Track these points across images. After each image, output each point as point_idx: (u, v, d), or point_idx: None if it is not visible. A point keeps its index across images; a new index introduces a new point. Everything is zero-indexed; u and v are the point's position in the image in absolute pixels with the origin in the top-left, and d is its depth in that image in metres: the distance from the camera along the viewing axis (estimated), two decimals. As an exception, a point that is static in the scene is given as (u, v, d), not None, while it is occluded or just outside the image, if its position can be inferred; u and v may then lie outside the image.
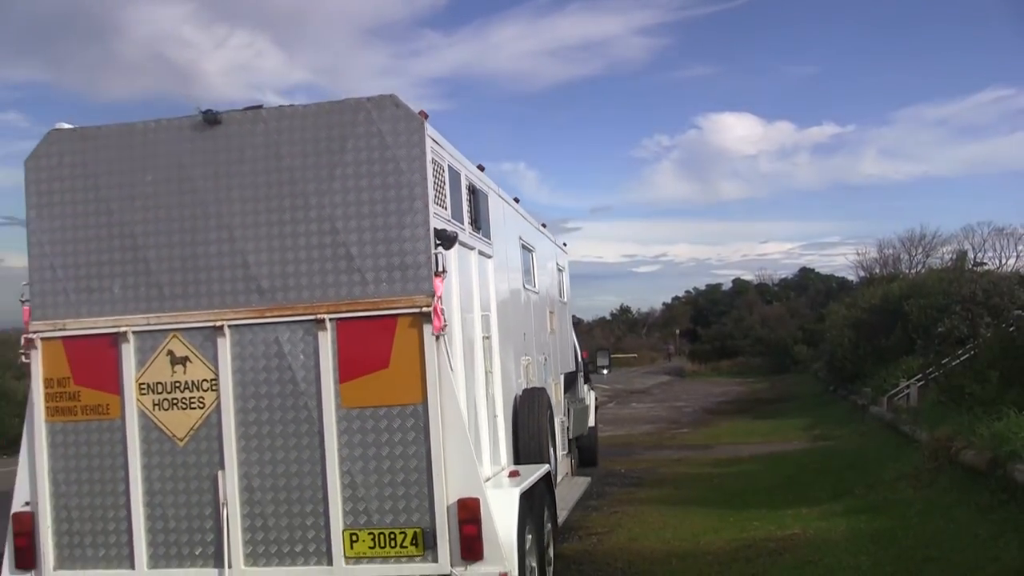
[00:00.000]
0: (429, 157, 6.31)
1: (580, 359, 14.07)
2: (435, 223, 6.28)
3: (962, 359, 18.41)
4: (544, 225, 12.12)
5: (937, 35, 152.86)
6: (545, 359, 10.76)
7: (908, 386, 20.58)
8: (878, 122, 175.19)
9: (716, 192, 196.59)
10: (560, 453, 10.70)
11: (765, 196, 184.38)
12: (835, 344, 32.53)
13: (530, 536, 7.11)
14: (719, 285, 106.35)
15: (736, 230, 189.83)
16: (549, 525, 8.23)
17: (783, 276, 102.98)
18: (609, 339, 77.60)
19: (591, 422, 14.26)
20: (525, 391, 8.91)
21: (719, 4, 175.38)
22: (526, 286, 10.03)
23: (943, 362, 19.43)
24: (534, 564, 7.20)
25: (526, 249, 10.18)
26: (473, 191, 7.60)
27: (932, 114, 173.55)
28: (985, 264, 37.35)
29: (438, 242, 6.25)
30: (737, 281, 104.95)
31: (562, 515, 9.45)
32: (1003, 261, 39.54)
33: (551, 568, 8.14)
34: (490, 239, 8.11)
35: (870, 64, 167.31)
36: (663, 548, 9.71)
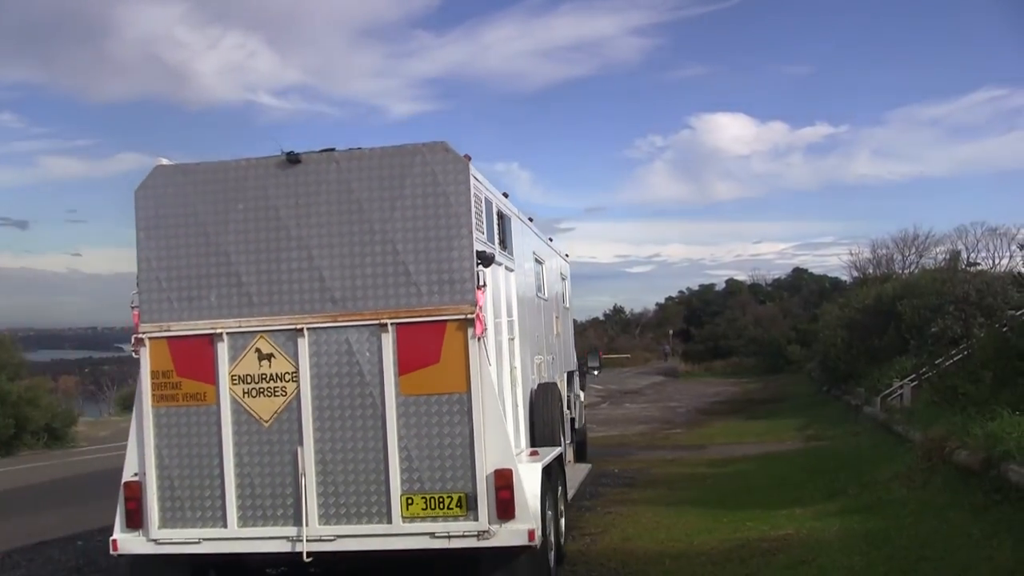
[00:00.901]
0: (472, 192, 7.69)
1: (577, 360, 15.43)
2: (476, 246, 7.68)
3: (955, 359, 18.43)
4: (551, 239, 13.40)
5: (930, 35, 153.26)
6: (552, 359, 12.11)
7: (901, 386, 20.59)
8: (871, 122, 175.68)
9: (709, 192, 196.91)
10: (566, 441, 11.72)
11: (758, 196, 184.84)
12: (828, 344, 32.53)
13: (549, 503, 8.42)
14: (712, 285, 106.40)
15: (729, 230, 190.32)
16: (561, 497, 9.56)
17: (776, 276, 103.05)
18: (602, 339, 77.71)
19: (582, 420, 15.29)
20: (540, 385, 10.33)
21: (712, 4, 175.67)
22: (538, 294, 11.50)
23: (936, 362, 19.44)
24: (551, 527, 8.53)
25: (538, 262, 11.58)
26: (501, 216, 9.04)
27: (926, 114, 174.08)
28: (978, 264, 37.37)
29: (479, 261, 7.65)
30: (730, 281, 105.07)
31: (570, 492, 10.70)
32: (996, 261, 39.58)
33: (563, 533, 9.38)
34: (512, 256, 9.51)
35: (863, 64, 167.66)
36: (657, 548, 9.70)
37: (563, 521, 9.45)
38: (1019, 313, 17.09)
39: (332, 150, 7.89)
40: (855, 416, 22.14)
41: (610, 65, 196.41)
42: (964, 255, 39.05)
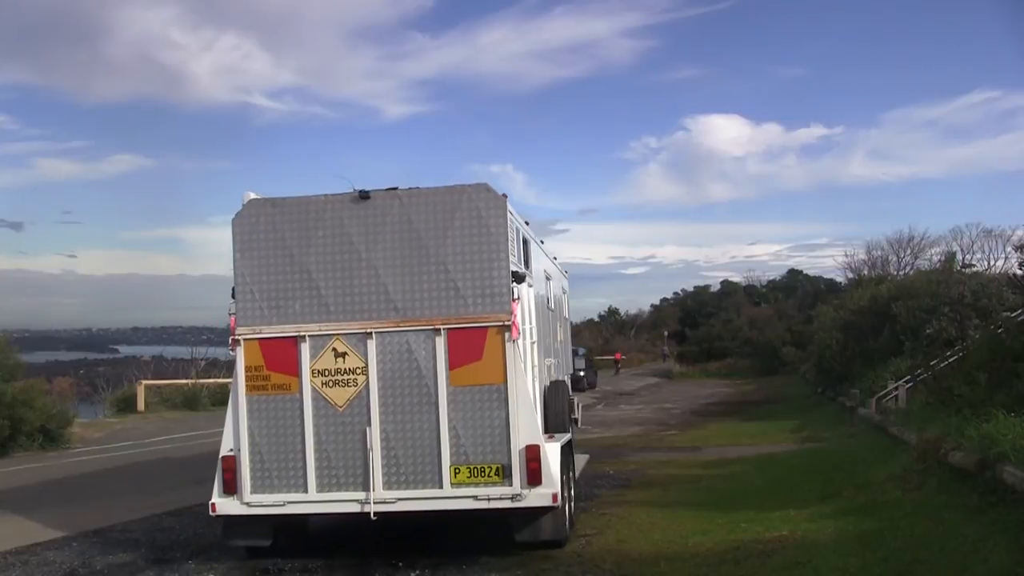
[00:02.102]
0: (508, 224, 9.46)
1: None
2: (511, 267, 9.45)
3: (950, 361, 18.42)
4: (555, 258, 14.70)
5: (925, 37, 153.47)
6: (556, 362, 13.49)
7: (896, 388, 20.60)
8: (866, 124, 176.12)
9: (704, 194, 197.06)
10: (574, 429, 12.74)
11: (753, 198, 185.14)
12: (823, 346, 32.56)
13: (565, 475, 9.99)
14: (707, 287, 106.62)
15: (724, 232, 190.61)
16: (571, 475, 11.07)
17: (771, 278, 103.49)
18: (597, 341, 77.72)
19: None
20: (552, 383, 11.86)
21: (706, 6, 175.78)
22: (548, 306, 12.97)
23: (931, 364, 19.43)
24: (567, 494, 10.13)
25: (547, 278, 13.02)
26: (525, 241, 10.69)
27: (920, 116, 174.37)
28: (973, 266, 37.43)
29: (513, 279, 9.42)
30: (725, 283, 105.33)
31: (576, 472, 12.08)
32: (991, 263, 39.67)
33: (572, 501, 10.84)
34: (531, 273, 10.98)
35: (858, 66, 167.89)
36: (652, 550, 9.70)
37: (572, 491, 10.97)
38: (1014, 314, 17.10)
39: (395, 189, 9.65)
40: (850, 417, 22.18)
41: (605, 67, 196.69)
42: (959, 256, 39.11)
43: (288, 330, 9.57)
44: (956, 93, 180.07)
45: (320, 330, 9.54)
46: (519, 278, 9.61)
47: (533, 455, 9.22)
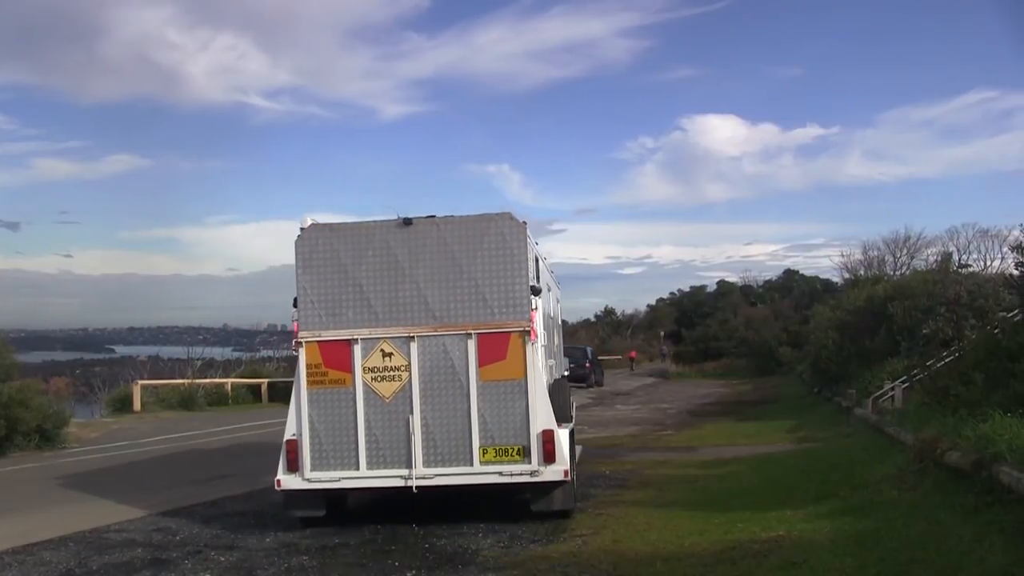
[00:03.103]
0: (527, 246, 11.17)
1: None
2: (529, 282, 11.15)
3: (947, 361, 18.46)
4: (545, 258, 15.50)
5: (922, 38, 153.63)
6: (555, 363, 14.74)
7: (893, 388, 20.62)
8: (863, 124, 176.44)
9: (700, 194, 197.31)
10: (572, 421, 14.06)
11: (749, 198, 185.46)
12: (819, 346, 32.58)
13: (572, 456, 11.81)
14: (703, 287, 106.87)
15: (720, 232, 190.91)
16: (574, 457, 12.67)
17: (767, 278, 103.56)
18: (594, 341, 77.70)
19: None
20: (555, 380, 13.00)
21: (702, 6, 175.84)
22: (549, 314, 14.08)
23: (928, 364, 19.47)
24: (573, 473, 11.77)
25: (548, 289, 14.14)
26: (536, 260, 11.97)
27: (917, 116, 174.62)
28: (970, 266, 37.58)
29: (531, 293, 11.13)
30: (721, 283, 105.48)
31: (576, 458, 13.39)
32: (988, 263, 39.76)
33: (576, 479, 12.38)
34: (540, 286, 12.08)
35: (855, 66, 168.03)
36: (648, 550, 9.69)
37: (575, 473, 12.34)
38: (1010, 315, 17.13)
39: (433, 216, 11.35)
40: (846, 418, 22.19)
41: (601, 67, 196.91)
42: (955, 257, 39.24)
43: (343, 334, 11.22)
44: (953, 93, 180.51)
45: (370, 334, 11.20)
46: (535, 291, 11.30)
47: (548, 438, 10.94)
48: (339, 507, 11.78)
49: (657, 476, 15.86)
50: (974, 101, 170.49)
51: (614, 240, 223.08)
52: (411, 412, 11.05)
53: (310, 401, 11.19)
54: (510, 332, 11.04)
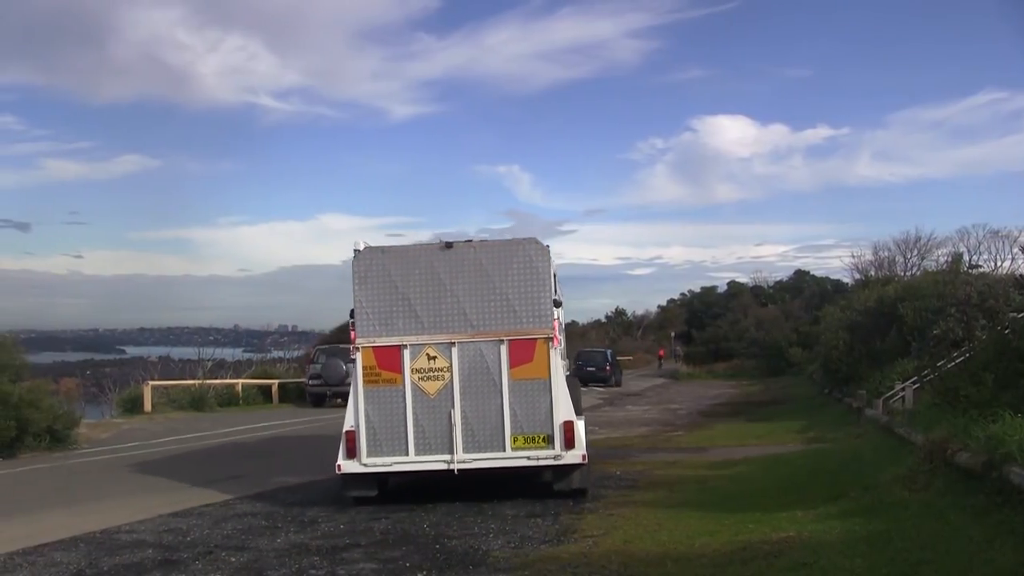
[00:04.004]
0: (550, 266, 12.92)
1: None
2: (552, 296, 12.86)
3: (957, 361, 18.42)
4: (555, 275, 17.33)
5: (931, 38, 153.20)
6: (565, 363, 15.63)
7: (903, 388, 20.59)
8: (873, 124, 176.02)
9: (710, 194, 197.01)
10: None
11: (759, 198, 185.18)
12: (830, 346, 32.49)
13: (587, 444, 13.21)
14: (714, 287, 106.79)
15: (731, 232, 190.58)
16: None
17: (778, 278, 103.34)
18: (604, 341, 77.70)
19: None
20: (567, 377, 13.81)
21: (712, 6, 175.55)
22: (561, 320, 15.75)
23: (938, 364, 19.42)
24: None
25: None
26: (555, 275, 13.33)
27: (927, 117, 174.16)
28: (980, 267, 37.48)
29: (553, 306, 12.86)
30: (732, 283, 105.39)
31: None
32: (998, 263, 39.63)
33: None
34: (560, 299, 13.73)
35: (865, 67, 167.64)
36: (658, 551, 9.68)
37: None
38: (1020, 315, 17.10)
39: (470, 241, 13.20)
40: (856, 418, 22.13)
41: (610, 67, 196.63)
42: (966, 257, 39.12)
43: (394, 341, 12.83)
44: (963, 94, 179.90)
45: (417, 341, 12.83)
46: (557, 304, 13.08)
47: (569, 428, 12.67)
48: (384, 488, 13.43)
49: (667, 477, 15.85)
50: (984, 102, 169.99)
51: (624, 241, 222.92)
52: (452, 406, 12.72)
53: (366, 398, 12.83)
54: (536, 339, 12.76)
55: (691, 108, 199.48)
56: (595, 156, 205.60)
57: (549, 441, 12.63)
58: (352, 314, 12.94)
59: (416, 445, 12.72)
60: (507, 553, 9.84)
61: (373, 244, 13.07)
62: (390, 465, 12.81)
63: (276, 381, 39.14)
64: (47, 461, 19.64)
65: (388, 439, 12.77)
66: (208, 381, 36.19)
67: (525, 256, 12.87)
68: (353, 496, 13.18)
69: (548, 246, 12.91)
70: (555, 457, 12.64)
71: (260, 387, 38.51)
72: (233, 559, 10.06)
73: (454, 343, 12.76)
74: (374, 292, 12.90)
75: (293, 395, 38.33)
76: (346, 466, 12.82)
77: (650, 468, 17.03)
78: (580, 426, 12.83)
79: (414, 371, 12.78)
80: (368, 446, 12.74)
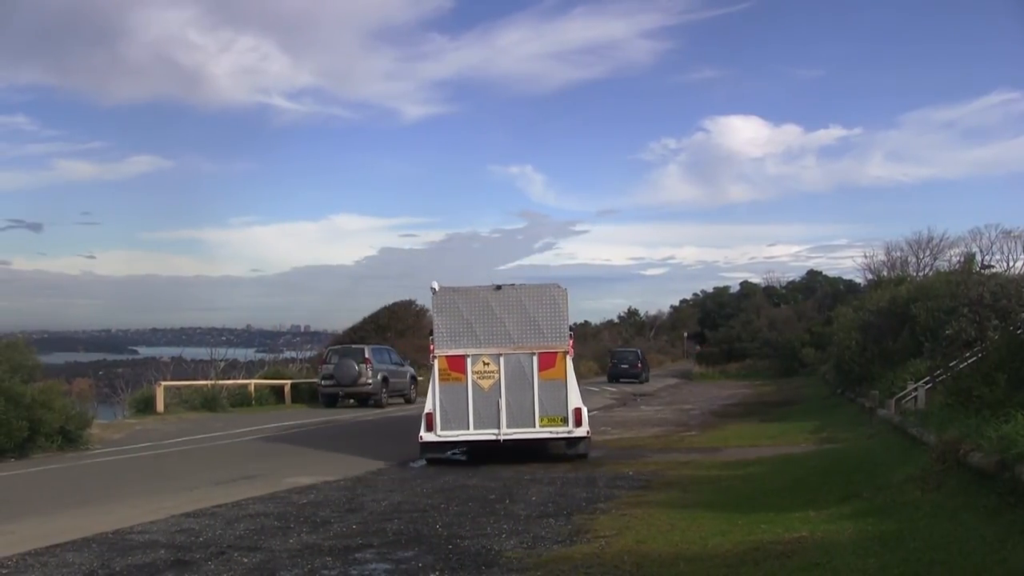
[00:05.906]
0: (567, 303, 18.42)
1: None
2: (568, 323, 18.48)
3: (970, 362, 18.38)
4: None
5: (943, 38, 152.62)
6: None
7: (916, 389, 20.55)
8: (885, 125, 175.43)
9: (723, 195, 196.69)
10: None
11: (772, 199, 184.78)
12: (842, 347, 32.45)
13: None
14: (727, 288, 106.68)
15: (743, 233, 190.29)
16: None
17: (791, 279, 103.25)
18: (616, 341, 77.67)
19: None
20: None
21: (725, 7, 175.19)
22: None
23: (951, 365, 19.40)
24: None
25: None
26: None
27: (939, 117, 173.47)
28: (993, 267, 37.31)
29: (570, 329, 18.51)
30: (744, 284, 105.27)
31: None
32: (1011, 264, 39.44)
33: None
34: (573, 325, 19.08)
35: (877, 67, 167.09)
36: (671, 551, 9.67)
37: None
38: (1033, 315, 17.00)
39: (514, 284, 18.47)
40: (869, 418, 22.07)
41: (623, 68, 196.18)
42: (978, 257, 38.96)
43: (460, 352, 18.15)
44: (974, 94, 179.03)
45: (476, 352, 18.13)
46: (571, 328, 18.65)
47: (577, 412, 18.09)
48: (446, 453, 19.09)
49: (680, 477, 15.84)
50: (996, 102, 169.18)
51: (637, 241, 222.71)
52: (500, 397, 17.95)
53: (440, 390, 18.09)
54: (557, 352, 18.09)
55: (704, 108, 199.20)
56: (608, 156, 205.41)
57: (564, 421, 17.95)
58: (431, 332, 18.47)
59: (474, 423, 17.95)
60: (520, 553, 9.84)
61: (441, 285, 18.37)
62: (457, 435, 18.10)
63: (289, 381, 39.15)
64: (60, 462, 19.70)
65: (455, 418, 17.99)
66: (220, 382, 36.21)
67: (550, 295, 18.27)
68: (427, 458, 18.53)
69: (566, 289, 18.41)
70: (568, 432, 18.03)
71: (272, 387, 38.54)
72: (246, 560, 10.06)
73: (501, 354, 18.04)
74: (447, 319, 18.19)
75: (306, 395, 38.32)
76: (427, 436, 18.09)
77: (663, 468, 17.04)
78: (585, 411, 18.31)
79: (473, 372, 18.00)
80: (442, 423, 18.00)
